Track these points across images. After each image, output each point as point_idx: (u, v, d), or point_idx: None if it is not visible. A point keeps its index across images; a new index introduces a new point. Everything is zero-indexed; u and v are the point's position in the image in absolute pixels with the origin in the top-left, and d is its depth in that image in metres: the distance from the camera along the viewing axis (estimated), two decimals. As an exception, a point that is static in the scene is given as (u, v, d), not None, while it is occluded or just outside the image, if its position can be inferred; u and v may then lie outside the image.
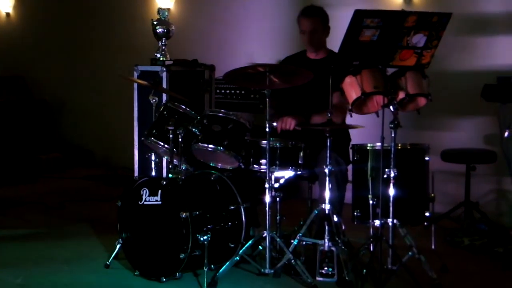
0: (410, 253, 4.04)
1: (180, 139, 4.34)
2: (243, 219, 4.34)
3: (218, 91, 6.26)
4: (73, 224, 5.52)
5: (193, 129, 4.34)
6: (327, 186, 4.16)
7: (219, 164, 4.49)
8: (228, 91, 6.35)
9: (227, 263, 4.11)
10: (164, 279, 4.11)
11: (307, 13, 4.81)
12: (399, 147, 4.19)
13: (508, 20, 5.50)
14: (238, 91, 6.30)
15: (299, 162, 4.26)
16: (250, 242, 4.19)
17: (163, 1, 7.28)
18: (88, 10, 8.17)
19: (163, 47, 5.59)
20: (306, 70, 4.18)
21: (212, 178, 4.44)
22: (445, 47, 4.29)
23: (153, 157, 4.63)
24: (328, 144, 4.15)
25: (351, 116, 4.15)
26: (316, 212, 4.20)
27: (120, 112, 7.41)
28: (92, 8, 8.13)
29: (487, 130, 5.56)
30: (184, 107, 4.51)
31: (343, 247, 4.15)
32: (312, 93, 4.66)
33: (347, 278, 3.97)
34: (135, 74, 5.57)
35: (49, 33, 8.59)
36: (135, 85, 5.58)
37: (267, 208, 4.12)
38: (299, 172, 4.30)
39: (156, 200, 4.18)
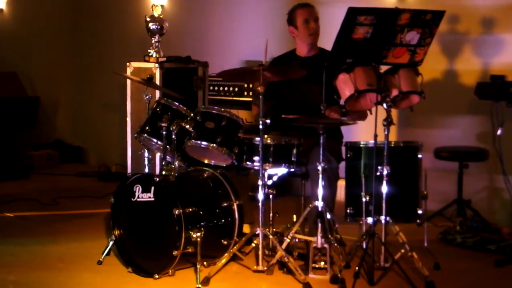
0: (402, 250, 4.05)
1: (173, 136, 4.33)
2: (236, 216, 4.33)
3: (211, 88, 6.25)
4: (66, 220, 5.51)
5: (186, 126, 4.33)
6: (320, 183, 4.16)
7: (212, 161, 4.49)
8: (221, 88, 6.34)
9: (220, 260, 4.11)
10: (157, 276, 4.10)
11: (307, 4, 4.84)
12: (392, 145, 4.20)
13: (502, 17, 5.50)
14: (231, 88, 6.29)
15: (292, 159, 4.26)
16: (243, 239, 4.20)
17: (157, -3, 7.27)
18: (81, 6, 8.15)
19: (157, 43, 5.58)
20: (299, 68, 4.19)
21: (205, 175, 4.43)
22: (439, 44, 4.30)
23: (146, 154, 4.63)
24: (322, 141, 4.15)
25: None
26: (309, 209, 4.20)
27: (113, 109, 7.39)
28: (85, 4, 8.11)
29: (480, 128, 5.57)
30: (177, 103, 4.50)
31: (336, 244, 4.16)
32: (305, 91, 4.66)
33: (339, 275, 3.97)
34: (128, 71, 5.56)
35: (42, 30, 8.56)
36: (128, 82, 5.57)
37: (260, 205, 4.12)
38: (292, 170, 4.30)
39: (149, 197, 4.17)
